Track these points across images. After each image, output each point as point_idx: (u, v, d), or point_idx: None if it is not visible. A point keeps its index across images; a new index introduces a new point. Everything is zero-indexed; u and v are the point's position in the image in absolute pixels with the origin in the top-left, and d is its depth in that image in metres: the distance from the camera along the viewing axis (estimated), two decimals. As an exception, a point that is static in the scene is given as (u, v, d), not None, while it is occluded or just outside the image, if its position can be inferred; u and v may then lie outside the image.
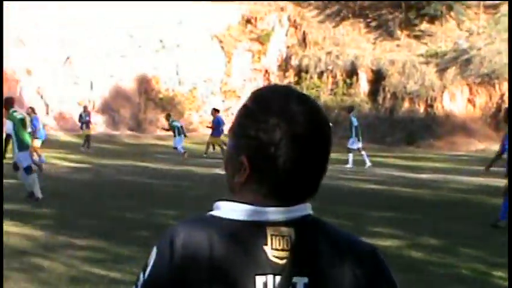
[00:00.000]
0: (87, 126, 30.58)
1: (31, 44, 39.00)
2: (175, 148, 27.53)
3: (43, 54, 39.16)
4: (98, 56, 40.58)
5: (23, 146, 13.77)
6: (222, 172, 1.74)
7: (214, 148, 28.65)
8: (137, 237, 9.86)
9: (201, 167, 22.69)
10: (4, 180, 15.59)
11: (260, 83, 44.24)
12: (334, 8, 47.30)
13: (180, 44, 43.57)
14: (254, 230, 1.53)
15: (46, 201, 13.46)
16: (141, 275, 1.54)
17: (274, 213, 1.53)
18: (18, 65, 37.99)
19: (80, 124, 31.20)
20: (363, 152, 24.51)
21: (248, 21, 46.55)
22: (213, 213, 1.57)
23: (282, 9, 47.01)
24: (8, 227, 10.24)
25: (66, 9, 39.25)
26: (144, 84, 42.29)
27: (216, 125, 27.64)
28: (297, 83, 42.49)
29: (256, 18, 46.58)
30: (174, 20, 43.39)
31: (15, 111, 13.92)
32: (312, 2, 47.74)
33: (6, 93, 36.16)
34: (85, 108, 32.09)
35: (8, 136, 13.63)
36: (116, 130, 38.78)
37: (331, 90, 42.60)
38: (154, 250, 1.54)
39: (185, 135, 28.24)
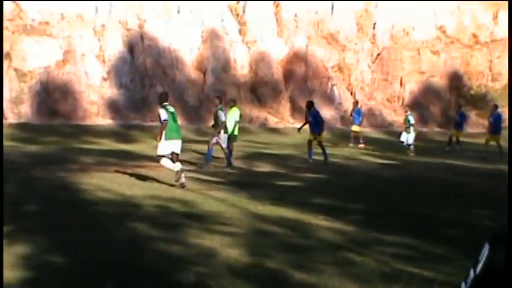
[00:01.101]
0: (357, 123, 30.08)
1: (343, 41, 40.28)
2: (409, 145, 26.58)
3: (355, 50, 40.27)
4: (409, 52, 40.68)
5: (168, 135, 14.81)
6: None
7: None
8: (448, 235, 9.65)
9: (514, 166, 21.53)
10: (309, 175, 16.23)
11: None
12: None
13: (494, 38, 42.03)
14: None
15: (355, 197, 13.72)
16: (471, 271, 1.54)
17: None
18: (331, 62, 39.46)
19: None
20: None
21: None
22: None
23: None
24: (320, 221, 10.56)
25: (378, 6, 39.92)
26: (456, 81, 41.44)
27: (496, 121, 26.21)
28: None
29: None
30: (487, 14, 42.06)
31: (166, 104, 15.10)
32: None
33: (316, 89, 38.20)
34: (355, 103, 31.78)
35: (163, 122, 14.77)
36: (425, 127, 38.47)
37: None
38: (487, 246, 1.53)
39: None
